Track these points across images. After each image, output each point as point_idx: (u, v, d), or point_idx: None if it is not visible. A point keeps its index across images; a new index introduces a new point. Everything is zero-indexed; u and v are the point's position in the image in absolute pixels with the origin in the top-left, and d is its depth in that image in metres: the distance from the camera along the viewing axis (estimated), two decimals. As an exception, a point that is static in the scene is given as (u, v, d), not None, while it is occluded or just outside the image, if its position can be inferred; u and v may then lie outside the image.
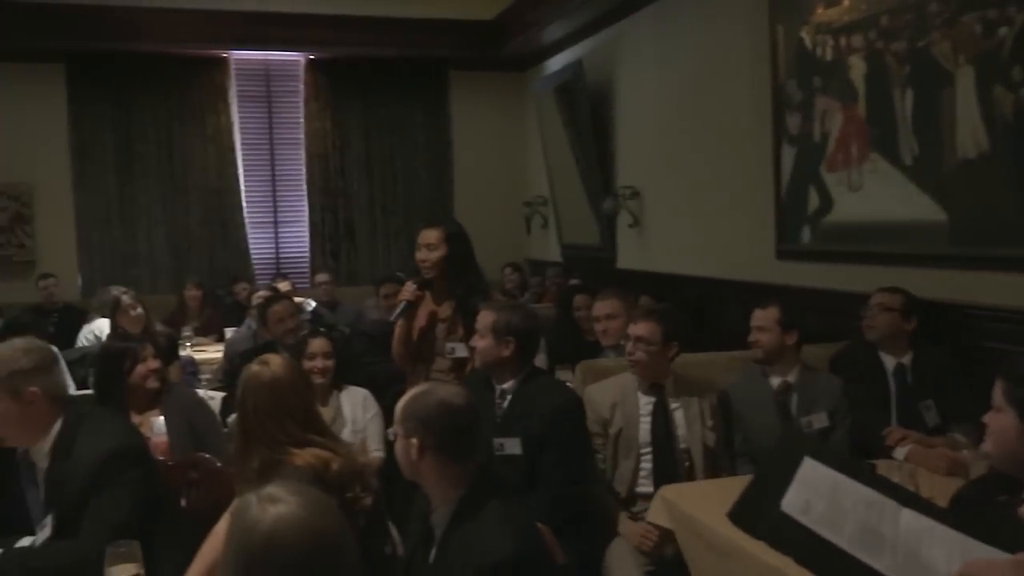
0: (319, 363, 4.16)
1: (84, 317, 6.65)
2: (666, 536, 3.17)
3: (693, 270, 6.33)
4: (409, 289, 4.04)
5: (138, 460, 2.72)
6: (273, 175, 9.48)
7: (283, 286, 7.35)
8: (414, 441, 2.34)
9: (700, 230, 6.28)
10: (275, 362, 2.75)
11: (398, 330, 4.12)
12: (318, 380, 4.10)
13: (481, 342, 3.43)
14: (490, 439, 3.27)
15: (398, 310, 4.06)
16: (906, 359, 3.91)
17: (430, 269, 4.01)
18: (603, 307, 4.66)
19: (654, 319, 3.65)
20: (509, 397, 3.42)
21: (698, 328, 5.68)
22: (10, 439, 2.68)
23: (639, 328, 3.62)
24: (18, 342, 2.77)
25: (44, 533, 2.62)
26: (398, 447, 2.41)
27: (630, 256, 7.37)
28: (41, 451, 2.67)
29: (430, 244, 4.01)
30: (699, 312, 5.84)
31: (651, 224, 7.04)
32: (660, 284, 6.46)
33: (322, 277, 8.07)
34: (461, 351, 3.92)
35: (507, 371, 3.44)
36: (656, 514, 3.10)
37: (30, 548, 2.60)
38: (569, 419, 3.38)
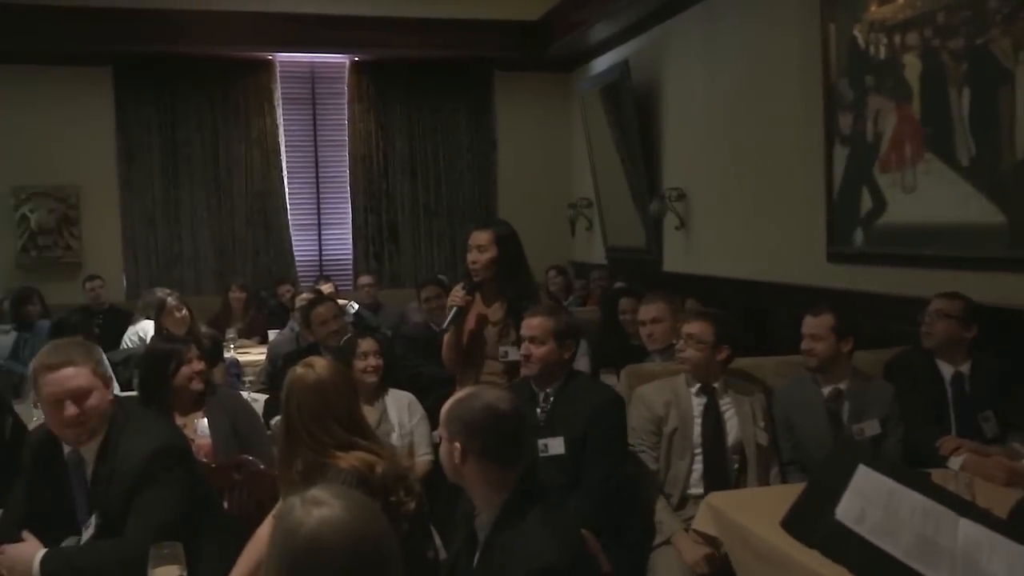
0: (372, 361, 4.18)
1: (129, 318, 6.74)
2: (714, 545, 3.14)
3: (741, 273, 6.27)
4: (459, 294, 4.02)
5: (182, 459, 2.76)
6: (317, 177, 9.55)
7: (326, 288, 7.41)
8: (457, 445, 2.34)
9: (749, 232, 6.22)
10: (320, 364, 2.77)
11: (448, 335, 4.11)
12: (371, 379, 4.14)
13: (540, 349, 3.43)
14: (534, 441, 3.29)
15: (449, 317, 4.04)
16: (964, 367, 3.83)
17: (480, 271, 4.00)
18: (649, 311, 4.62)
19: (708, 319, 3.70)
20: (552, 399, 3.44)
21: (746, 332, 5.63)
22: (94, 432, 2.70)
23: (692, 326, 3.67)
24: (64, 340, 2.82)
25: (89, 533, 2.65)
26: (442, 450, 2.42)
27: (676, 259, 7.32)
28: (91, 449, 2.70)
29: (480, 246, 4.00)
30: (747, 316, 5.77)
31: (698, 226, 6.99)
32: (707, 287, 6.41)
33: (365, 279, 8.12)
34: (514, 354, 3.90)
35: (558, 374, 3.47)
36: (703, 521, 3.07)
37: (75, 548, 2.63)
38: (611, 416, 3.39)
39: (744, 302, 5.94)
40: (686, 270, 7.11)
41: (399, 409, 4.22)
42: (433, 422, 3.95)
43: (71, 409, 2.62)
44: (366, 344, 4.23)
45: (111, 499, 2.63)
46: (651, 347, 4.60)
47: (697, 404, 3.63)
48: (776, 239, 5.88)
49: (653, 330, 4.57)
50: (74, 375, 2.63)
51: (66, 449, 2.74)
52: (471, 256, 4.02)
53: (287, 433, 2.70)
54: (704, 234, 6.91)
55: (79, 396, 2.63)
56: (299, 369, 2.75)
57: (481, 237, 4.01)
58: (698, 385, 3.65)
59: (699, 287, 6.40)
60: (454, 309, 4.02)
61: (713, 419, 3.59)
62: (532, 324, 3.47)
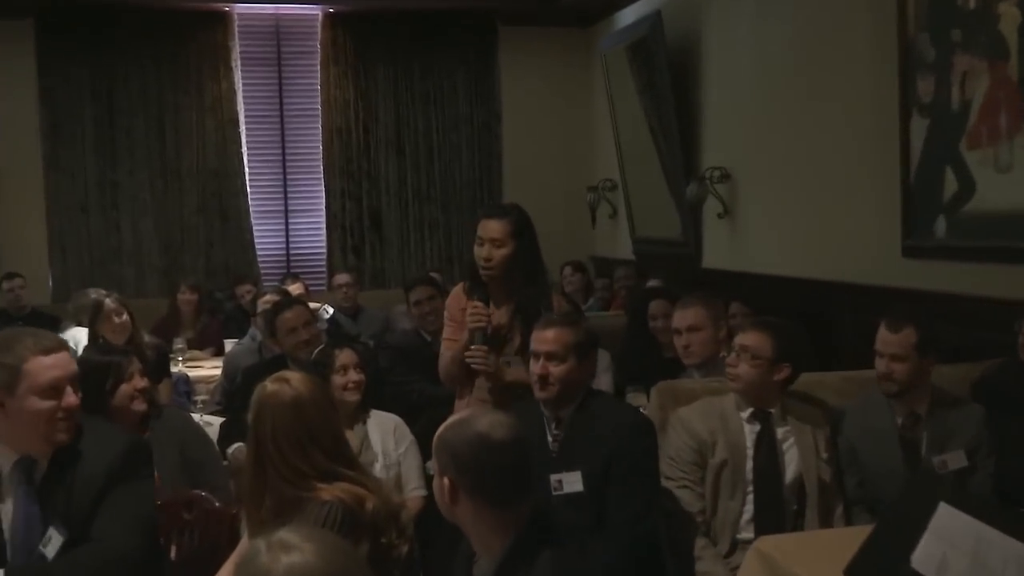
0: (353, 376, 4.19)
1: (56, 325, 6.75)
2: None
3: (797, 271, 6.26)
4: (483, 314, 3.88)
5: (151, 458, 2.94)
6: (284, 154, 9.58)
7: (295, 289, 7.41)
8: (446, 481, 2.36)
9: (806, 221, 6.21)
10: (296, 379, 2.80)
11: (445, 346, 4.06)
12: (351, 398, 4.15)
13: (560, 368, 3.40)
14: (545, 477, 3.28)
15: (474, 342, 3.87)
16: (1071, 386, 3.83)
17: (495, 270, 3.90)
18: (684, 317, 4.59)
19: (767, 330, 3.64)
20: (566, 425, 3.44)
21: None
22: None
23: (746, 337, 3.63)
24: (27, 328, 2.95)
25: (55, 547, 2.69)
26: (434, 484, 2.44)
27: (718, 253, 7.33)
28: (46, 455, 2.79)
29: (495, 240, 3.87)
30: (805, 322, 5.76)
31: (745, 214, 6.99)
32: (756, 287, 6.40)
33: (342, 278, 8.11)
34: (517, 365, 3.88)
35: (576, 395, 3.46)
36: (750, 571, 3.07)
37: (44, 564, 2.68)
38: (639, 444, 3.38)
39: (801, 306, 5.92)
40: (730, 267, 7.11)
41: (383, 434, 4.23)
42: (424, 450, 3.95)
43: (72, 397, 2.73)
44: (344, 356, 4.23)
45: (76, 506, 2.71)
46: (687, 360, 4.58)
47: (749, 432, 3.61)
48: (840, 230, 5.86)
49: (690, 340, 4.54)
50: (71, 359, 2.78)
51: (6, 460, 2.78)
52: (482, 252, 3.90)
53: (256, 463, 2.72)
54: (752, 223, 6.90)
55: (76, 383, 2.77)
56: (271, 385, 2.78)
57: (495, 228, 3.88)
58: (750, 410, 3.64)
59: (746, 287, 6.39)
60: (478, 333, 3.88)
61: (768, 451, 3.58)
62: (547, 337, 3.45)
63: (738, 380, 3.63)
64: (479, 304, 3.90)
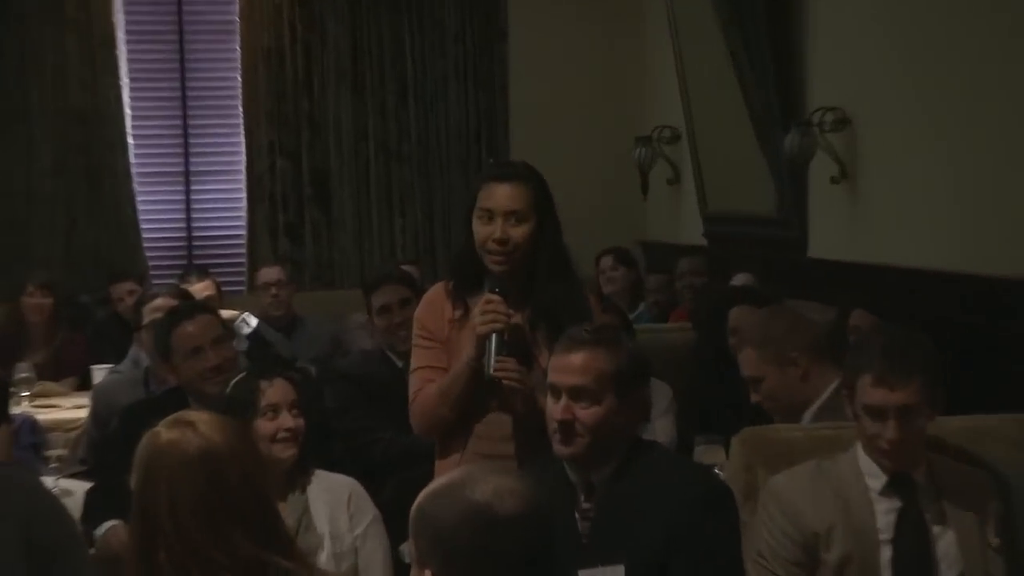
0: (288, 420, 4.16)
1: None
2: None
3: (955, 263, 6.21)
4: (502, 312, 3.84)
5: None
6: (184, 90, 9.63)
7: (200, 289, 7.42)
8: (427, 574, 2.34)
9: (969, 190, 6.18)
10: (204, 422, 2.76)
11: (438, 375, 4.01)
12: (284, 454, 4.13)
13: (590, 411, 3.37)
14: (572, 573, 3.25)
15: (489, 355, 3.81)
16: None
17: (513, 254, 3.88)
18: (742, 365, 4.66)
19: (914, 372, 3.54)
20: (603, 495, 3.42)
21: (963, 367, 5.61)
22: None
23: (903, 394, 3.52)
24: None
25: None
26: (412, 576, 2.43)
27: (833, 236, 7.34)
28: None
29: (511, 212, 3.85)
30: (967, 338, 5.75)
31: (872, 178, 6.97)
32: (889, 286, 6.41)
33: (270, 274, 8.13)
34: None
35: (617, 451, 3.43)
36: None
37: None
38: (712, 527, 3.35)
39: (960, 315, 5.92)
40: (851, 256, 7.10)
41: (333, 507, 4.21)
42: (393, 528, 3.95)
43: None
44: (274, 391, 4.21)
45: None
46: (775, 416, 4.60)
47: (884, 512, 3.59)
48: (1017, 205, 5.84)
49: (757, 395, 4.58)
50: None
51: None
52: (495, 231, 3.86)
53: (142, 549, 2.70)
54: (884, 192, 6.88)
55: None
56: (167, 432, 2.74)
57: (510, 195, 3.87)
58: (885, 479, 3.62)
59: (873, 287, 6.40)
60: (492, 338, 3.84)
61: (915, 537, 3.56)
62: (572, 364, 3.41)
63: (886, 453, 3.57)
64: (495, 297, 3.84)
